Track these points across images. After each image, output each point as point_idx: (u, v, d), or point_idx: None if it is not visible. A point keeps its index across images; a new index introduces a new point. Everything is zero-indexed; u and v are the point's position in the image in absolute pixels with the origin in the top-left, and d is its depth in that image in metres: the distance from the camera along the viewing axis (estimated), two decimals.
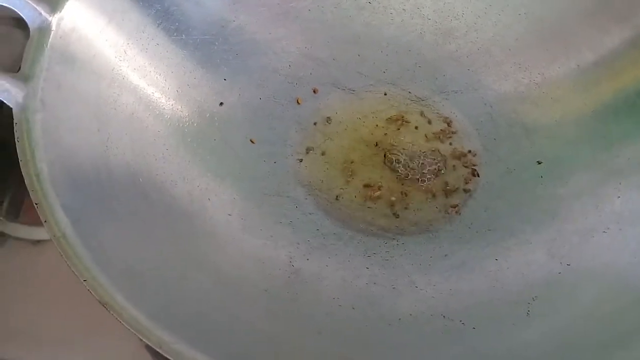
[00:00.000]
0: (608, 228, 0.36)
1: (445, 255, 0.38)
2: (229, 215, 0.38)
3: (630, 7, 0.40)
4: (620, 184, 0.37)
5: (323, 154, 0.43)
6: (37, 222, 0.40)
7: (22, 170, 0.30)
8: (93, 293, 0.26)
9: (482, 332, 0.32)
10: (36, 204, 0.29)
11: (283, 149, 0.43)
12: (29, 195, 0.39)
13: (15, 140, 0.31)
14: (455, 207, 0.40)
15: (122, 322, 0.27)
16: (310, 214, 0.40)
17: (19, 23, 0.34)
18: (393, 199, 0.41)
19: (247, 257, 0.35)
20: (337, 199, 0.41)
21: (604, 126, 0.39)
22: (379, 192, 0.41)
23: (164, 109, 0.39)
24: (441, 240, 0.39)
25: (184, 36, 0.41)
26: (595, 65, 0.41)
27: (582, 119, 0.40)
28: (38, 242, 0.41)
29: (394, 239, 0.39)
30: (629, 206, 0.36)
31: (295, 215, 0.39)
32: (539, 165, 0.41)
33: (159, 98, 0.39)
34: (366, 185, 0.42)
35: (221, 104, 0.42)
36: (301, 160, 0.43)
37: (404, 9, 0.48)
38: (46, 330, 0.39)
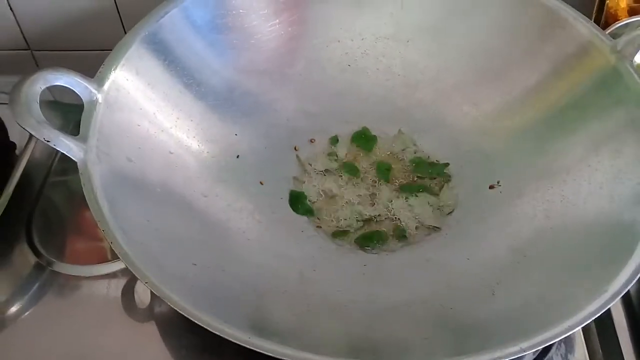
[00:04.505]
0: (555, 224, 0.44)
1: (427, 260, 0.46)
2: (248, 240, 0.46)
3: (545, 49, 0.51)
4: (564, 182, 0.46)
5: (317, 188, 0.52)
6: (79, 262, 0.50)
7: (89, 207, 0.38)
8: (154, 290, 0.35)
9: (457, 310, 0.40)
10: (103, 230, 0.37)
11: (286, 187, 0.52)
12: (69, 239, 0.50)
13: (82, 185, 0.39)
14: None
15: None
16: (313, 235, 0.48)
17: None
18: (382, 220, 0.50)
19: (264, 269, 0.44)
20: (336, 224, 0.50)
21: (541, 140, 0.49)
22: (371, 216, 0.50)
23: (192, 161, 0.49)
24: (424, 250, 0.48)
25: (202, 101, 0.51)
26: (530, 94, 0.51)
27: (525, 139, 0.50)
28: (80, 278, 0.50)
29: (385, 251, 0.48)
30: (571, 204, 0.45)
31: (301, 237, 0.48)
32: (498, 183, 0.50)
33: (186, 151, 0.49)
34: (361, 211, 0.51)
35: (238, 156, 0.52)
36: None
37: (377, 69, 0.58)
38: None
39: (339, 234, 0.49)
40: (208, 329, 0.34)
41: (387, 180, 0.52)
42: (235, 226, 0.47)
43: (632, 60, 0.46)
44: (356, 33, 0.57)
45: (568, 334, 0.34)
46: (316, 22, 0.56)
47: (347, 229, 0.49)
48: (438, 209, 0.50)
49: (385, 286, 0.44)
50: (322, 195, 0.52)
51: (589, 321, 0.34)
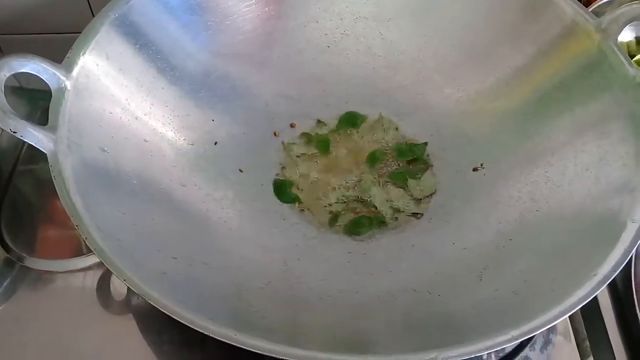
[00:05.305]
0: (541, 207, 0.44)
1: (412, 246, 0.46)
2: (229, 230, 0.45)
3: (530, 30, 0.50)
4: (549, 164, 0.45)
5: (301, 175, 0.51)
6: (51, 256, 0.48)
7: (61, 201, 0.36)
8: (133, 288, 0.33)
9: (445, 297, 0.39)
10: (77, 226, 0.35)
11: (267, 174, 0.50)
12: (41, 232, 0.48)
13: (53, 178, 0.37)
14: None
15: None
16: (296, 223, 0.47)
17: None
18: (368, 206, 0.49)
19: (246, 261, 0.42)
20: (318, 209, 0.48)
21: (525, 122, 0.48)
22: (353, 203, 0.49)
23: (168, 149, 0.47)
24: (409, 236, 0.47)
25: (177, 87, 0.49)
26: (514, 77, 0.50)
27: (508, 121, 0.49)
28: (51, 272, 0.48)
29: (370, 238, 0.47)
30: (556, 186, 0.44)
31: (283, 225, 0.47)
32: (482, 165, 0.49)
33: (162, 139, 0.46)
34: (343, 196, 0.49)
35: (216, 143, 0.50)
36: None
37: (357, 50, 0.56)
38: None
39: (332, 220, 0.47)
40: (192, 326, 0.32)
41: (372, 165, 0.51)
42: (215, 216, 0.45)
43: (616, 39, 0.46)
44: (335, 13, 0.56)
45: (559, 320, 0.33)
46: (294, 2, 0.54)
47: (337, 213, 0.48)
48: (419, 196, 0.49)
49: (371, 274, 0.43)
50: (306, 181, 0.50)
51: (579, 307, 0.34)
